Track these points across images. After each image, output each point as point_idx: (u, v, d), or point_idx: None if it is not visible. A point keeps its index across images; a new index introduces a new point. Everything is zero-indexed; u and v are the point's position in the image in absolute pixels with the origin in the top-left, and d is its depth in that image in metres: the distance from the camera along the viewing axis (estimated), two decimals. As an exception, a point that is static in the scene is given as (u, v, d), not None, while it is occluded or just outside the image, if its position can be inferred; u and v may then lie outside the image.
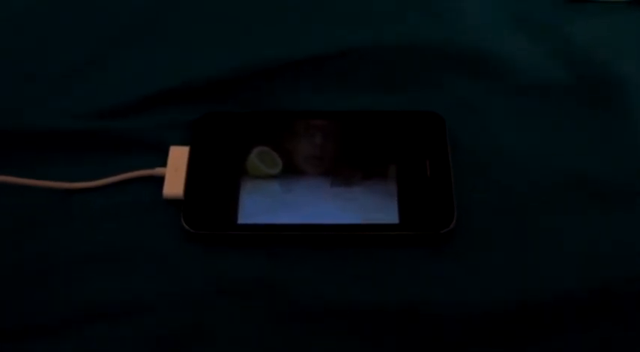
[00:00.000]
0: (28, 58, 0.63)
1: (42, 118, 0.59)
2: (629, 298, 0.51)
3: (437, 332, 0.50)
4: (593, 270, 0.52)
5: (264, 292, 0.52)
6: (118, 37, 0.64)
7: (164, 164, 0.56)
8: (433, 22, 0.64)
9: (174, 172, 0.56)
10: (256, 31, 0.64)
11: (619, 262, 0.53)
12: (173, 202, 0.55)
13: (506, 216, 0.55)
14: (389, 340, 0.50)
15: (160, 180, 0.56)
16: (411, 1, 0.66)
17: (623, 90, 0.60)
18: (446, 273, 0.52)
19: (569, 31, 0.64)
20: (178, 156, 0.56)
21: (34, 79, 0.62)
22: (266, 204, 0.54)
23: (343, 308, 0.51)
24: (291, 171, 0.56)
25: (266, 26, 0.64)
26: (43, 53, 0.63)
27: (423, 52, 0.62)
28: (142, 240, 0.54)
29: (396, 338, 0.50)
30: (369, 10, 0.65)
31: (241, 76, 0.61)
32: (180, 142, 0.57)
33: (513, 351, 0.50)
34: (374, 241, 0.53)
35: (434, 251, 0.53)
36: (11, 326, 0.51)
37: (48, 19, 0.65)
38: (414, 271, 0.53)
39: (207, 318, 0.51)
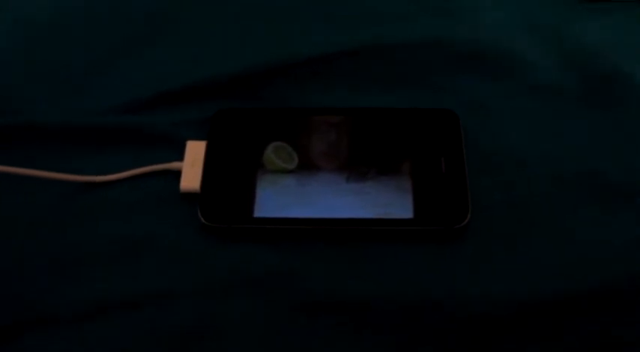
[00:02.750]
0: (47, 56, 0.64)
1: (61, 114, 0.60)
2: (633, 296, 0.52)
3: (449, 327, 0.51)
4: (599, 269, 0.52)
5: (279, 286, 0.52)
6: (134, 35, 0.64)
7: (181, 158, 0.57)
8: (444, 22, 0.65)
9: (191, 166, 0.56)
10: (270, 30, 0.64)
11: (624, 261, 0.53)
12: (190, 196, 0.55)
13: (517, 213, 0.55)
14: (402, 334, 0.51)
15: (176, 175, 0.56)
16: (423, 0, 0.66)
17: (634, 90, 0.60)
18: (460, 269, 0.53)
19: (582, 30, 0.64)
20: (195, 151, 0.57)
21: (53, 76, 0.62)
22: (282, 198, 0.55)
23: (356, 302, 0.52)
24: (306, 166, 0.56)
25: (280, 24, 0.65)
26: (61, 51, 0.64)
27: (434, 50, 0.63)
28: (159, 233, 0.54)
29: (409, 333, 0.51)
30: (382, 9, 0.66)
31: (254, 74, 0.61)
32: (197, 138, 0.58)
33: (523, 348, 0.50)
34: (388, 236, 0.54)
35: (447, 247, 0.54)
36: (26, 318, 0.51)
37: (65, 18, 0.66)
38: (428, 266, 0.53)
39: (222, 311, 0.51)
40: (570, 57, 0.63)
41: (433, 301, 0.51)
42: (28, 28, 0.65)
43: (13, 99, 0.61)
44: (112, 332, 0.51)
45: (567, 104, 0.60)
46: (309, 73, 0.62)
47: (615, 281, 0.52)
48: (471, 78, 0.62)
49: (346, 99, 0.61)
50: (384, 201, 0.54)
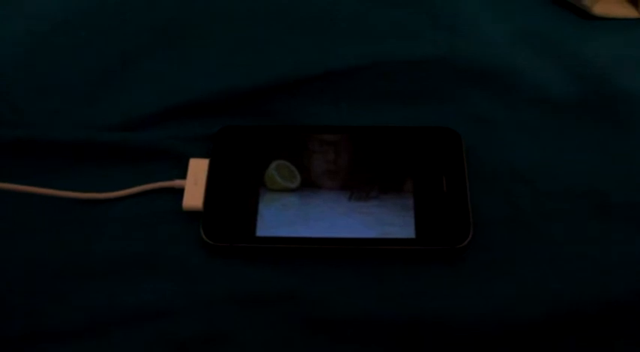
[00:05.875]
0: (51, 69, 0.64)
1: (64, 130, 0.60)
2: (635, 312, 0.52)
3: (451, 345, 0.51)
4: (600, 285, 0.53)
5: (280, 304, 0.52)
6: (138, 50, 0.64)
7: (184, 176, 0.57)
8: (447, 37, 0.65)
9: (194, 184, 0.56)
10: (275, 47, 0.64)
11: (625, 277, 0.53)
12: (192, 214, 0.56)
13: (519, 231, 0.55)
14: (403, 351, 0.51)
15: (179, 192, 0.56)
16: (426, 17, 0.66)
17: (635, 106, 0.61)
18: (461, 287, 0.53)
19: (586, 46, 0.64)
20: (198, 169, 0.57)
21: (56, 91, 0.62)
22: (284, 217, 0.55)
23: (358, 320, 0.52)
24: (309, 184, 0.57)
25: (284, 41, 0.65)
26: (66, 66, 0.64)
27: (437, 67, 0.63)
28: (161, 250, 0.55)
29: (411, 350, 0.51)
30: (385, 26, 0.66)
31: (259, 91, 0.62)
32: (200, 155, 0.58)
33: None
34: (390, 255, 0.54)
35: (449, 265, 0.54)
36: (31, 332, 0.52)
37: (71, 32, 0.66)
38: (430, 285, 0.53)
39: (223, 329, 0.52)
40: (575, 73, 0.63)
41: (435, 319, 0.52)
42: (39, 41, 0.65)
43: (16, 113, 0.61)
44: (114, 346, 0.51)
45: (571, 120, 0.60)
46: (313, 89, 0.62)
47: (617, 298, 0.52)
48: (474, 93, 0.62)
49: (350, 116, 0.61)
50: (386, 220, 0.55)
